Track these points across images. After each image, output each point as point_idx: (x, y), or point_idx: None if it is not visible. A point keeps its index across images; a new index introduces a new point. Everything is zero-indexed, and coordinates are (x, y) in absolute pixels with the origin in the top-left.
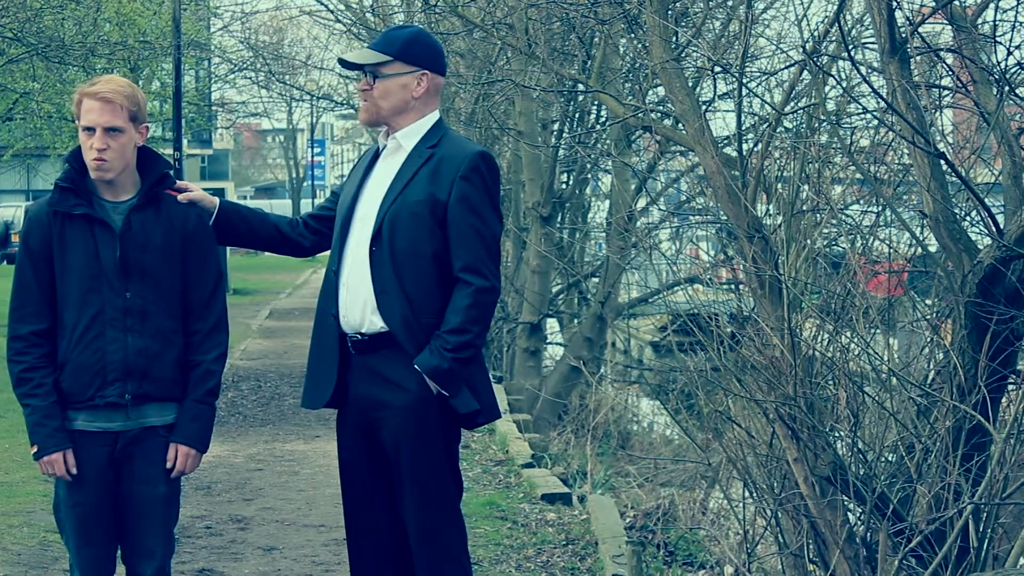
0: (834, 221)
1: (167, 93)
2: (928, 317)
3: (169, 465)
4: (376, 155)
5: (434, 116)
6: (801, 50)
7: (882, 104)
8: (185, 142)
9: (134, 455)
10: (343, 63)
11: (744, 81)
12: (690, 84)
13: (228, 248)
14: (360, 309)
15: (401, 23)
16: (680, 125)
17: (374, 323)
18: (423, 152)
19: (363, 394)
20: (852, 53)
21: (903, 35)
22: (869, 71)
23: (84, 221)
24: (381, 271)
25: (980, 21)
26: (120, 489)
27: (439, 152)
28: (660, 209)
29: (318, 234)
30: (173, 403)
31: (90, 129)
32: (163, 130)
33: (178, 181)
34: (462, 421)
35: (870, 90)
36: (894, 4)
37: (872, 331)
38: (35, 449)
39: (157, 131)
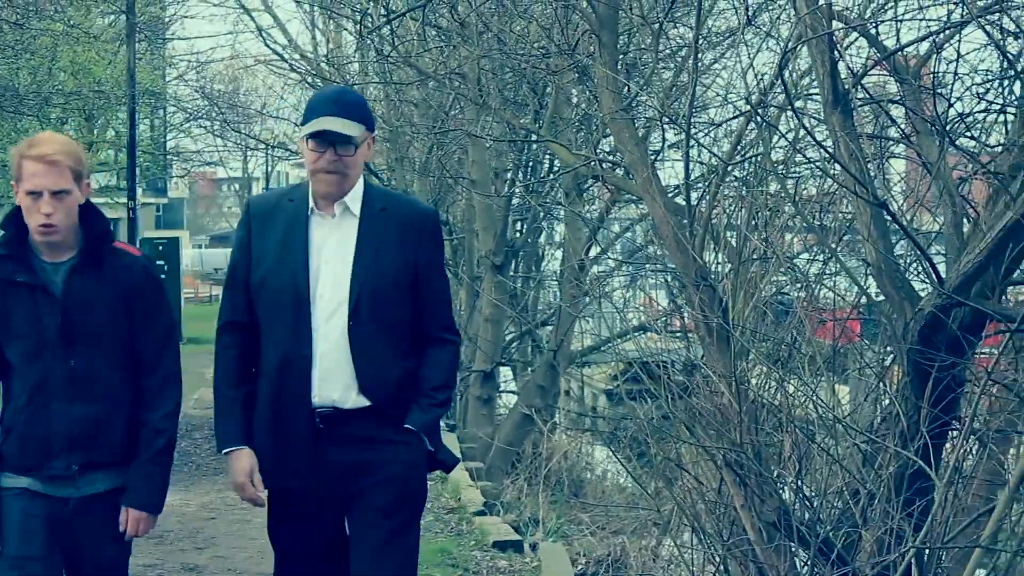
0: (782, 270)
1: (122, 142)
2: (873, 365)
3: (121, 529)
4: (302, 222)
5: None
6: (745, 102)
7: (827, 154)
8: (140, 191)
9: (82, 521)
10: (329, 134)
11: (692, 132)
12: (640, 134)
13: (183, 296)
14: (341, 389)
15: (355, 73)
16: (631, 174)
17: (359, 401)
18: (376, 215)
19: (346, 460)
20: (799, 104)
21: (846, 87)
22: (815, 123)
23: (25, 288)
24: (363, 347)
25: (924, 72)
26: (69, 554)
27: (394, 214)
28: (611, 258)
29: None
30: (124, 468)
31: (35, 193)
32: (118, 179)
33: None
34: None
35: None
36: (836, 57)
37: (819, 378)
38: None
39: (112, 180)
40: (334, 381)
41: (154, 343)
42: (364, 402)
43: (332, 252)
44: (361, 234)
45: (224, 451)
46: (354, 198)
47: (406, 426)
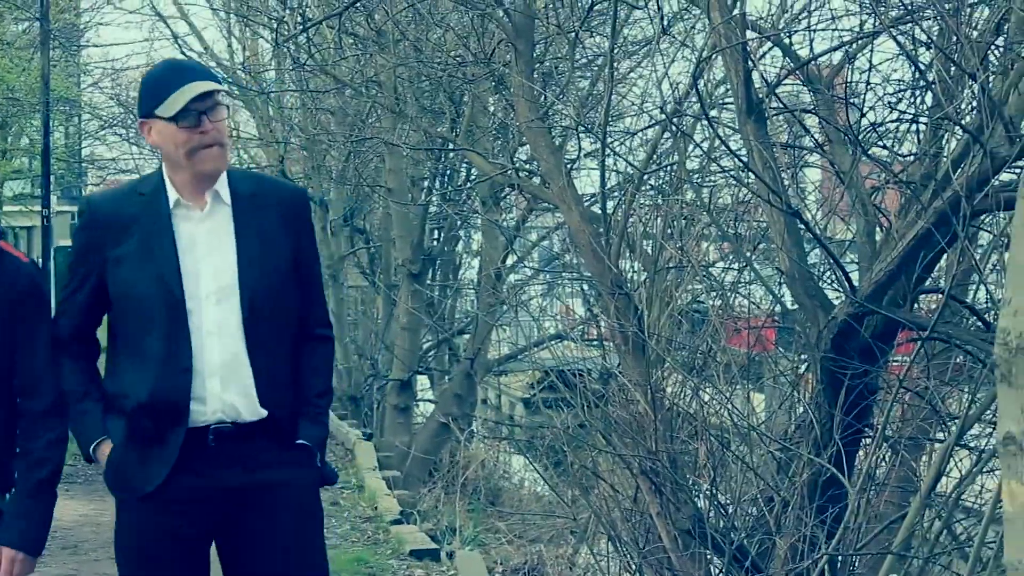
0: (698, 278)
1: (36, 150)
2: (787, 373)
3: None
4: (163, 219)
5: None
6: (661, 111)
7: (741, 163)
8: (54, 199)
9: None
10: (196, 104)
11: (608, 141)
12: (557, 143)
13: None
14: (242, 399)
15: (271, 81)
16: (547, 183)
17: (258, 412)
18: (250, 200)
19: (237, 483)
20: (713, 113)
21: (760, 97)
22: (729, 132)
23: None
24: (262, 352)
25: (837, 82)
26: None
27: (269, 197)
28: (528, 267)
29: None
30: None
31: None
32: (32, 187)
33: None
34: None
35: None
36: (750, 67)
37: (734, 386)
38: None
39: (26, 188)
40: (233, 392)
41: (38, 362)
42: (262, 412)
43: (207, 248)
44: (239, 224)
45: (92, 448)
46: (222, 183)
47: (300, 441)
